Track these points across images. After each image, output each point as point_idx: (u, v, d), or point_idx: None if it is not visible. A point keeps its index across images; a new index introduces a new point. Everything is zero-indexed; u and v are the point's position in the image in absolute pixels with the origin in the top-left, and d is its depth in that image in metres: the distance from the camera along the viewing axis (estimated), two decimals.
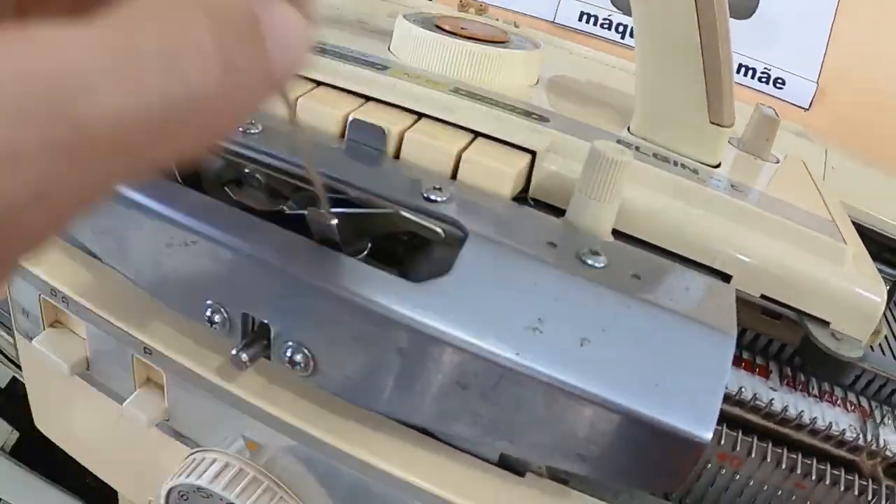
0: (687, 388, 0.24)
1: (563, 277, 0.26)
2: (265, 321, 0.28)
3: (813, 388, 0.34)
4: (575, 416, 0.24)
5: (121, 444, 0.40)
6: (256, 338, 0.28)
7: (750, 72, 0.56)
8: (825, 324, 0.31)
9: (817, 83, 0.55)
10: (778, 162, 0.40)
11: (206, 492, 0.31)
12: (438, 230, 0.28)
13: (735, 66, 0.54)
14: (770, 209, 0.32)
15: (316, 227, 0.29)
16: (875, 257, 0.45)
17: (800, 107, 0.55)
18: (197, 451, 0.32)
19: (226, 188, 0.33)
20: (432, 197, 0.30)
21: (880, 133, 0.52)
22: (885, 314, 0.42)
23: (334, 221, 0.28)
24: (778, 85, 0.55)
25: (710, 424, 0.24)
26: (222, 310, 0.29)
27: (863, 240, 0.44)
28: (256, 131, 0.34)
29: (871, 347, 0.36)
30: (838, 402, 0.34)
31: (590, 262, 0.27)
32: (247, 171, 0.33)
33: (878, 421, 0.34)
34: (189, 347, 0.32)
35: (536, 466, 0.30)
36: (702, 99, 0.33)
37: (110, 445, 0.41)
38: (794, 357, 0.35)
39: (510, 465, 0.30)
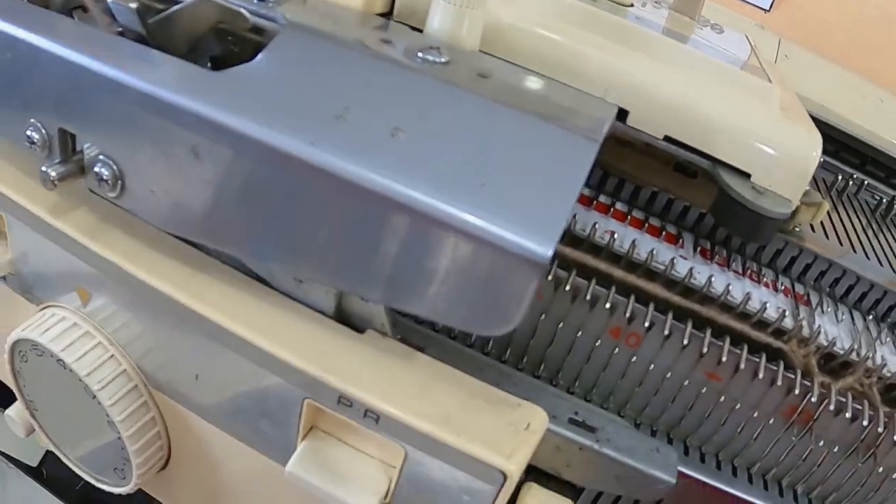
0: (524, 192, 0.19)
1: (389, 67, 0.21)
2: (73, 132, 0.24)
3: (735, 264, 0.28)
4: (377, 220, 0.19)
5: None
6: (71, 155, 0.25)
7: None
8: (745, 176, 0.26)
9: None
10: (713, 27, 0.34)
11: (40, 348, 0.27)
12: (245, 13, 0.23)
13: None
14: (681, 41, 0.27)
15: (122, 18, 0.25)
16: (832, 155, 0.39)
17: (760, 7, 0.49)
18: (41, 308, 0.29)
19: (73, 14, 0.30)
20: None
21: (844, 36, 0.46)
22: (834, 204, 0.36)
23: (133, 4, 0.24)
24: None
25: (550, 238, 0.18)
26: (40, 126, 0.25)
27: (824, 138, 0.39)
28: None
29: (812, 227, 0.31)
30: (766, 282, 0.28)
31: (429, 57, 0.22)
32: None
33: (814, 308, 0.28)
34: (26, 185, 0.28)
35: (380, 324, 0.24)
36: None
37: None
38: (717, 230, 0.29)
39: (348, 321, 0.24)
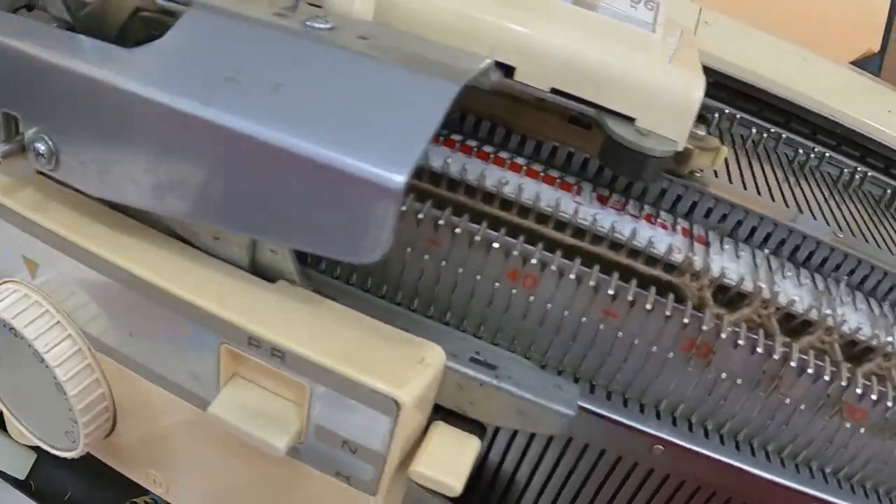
0: (384, 128, 0.21)
1: (279, 36, 0.23)
2: (15, 114, 0.26)
3: (632, 208, 0.29)
4: (262, 163, 0.21)
5: None
6: (13, 136, 0.27)
7: None
8: (630, 120, 0.27)
9: None
10: None
11: None
12: None
13: None
14: (582, 5, 0.29)
15: (51, 9, 0.27)
16: (755, 115, 0.41)
17: None
18: None
19: (17, 13, 0.32)
20: None
21: (781, 7, 0.47)
22: (748, 155, 0.37)
23: None
24: None
25: (403, 167, 0.20)
26: None
27: (743, 98, 0.40)
28: None
29: (715, 173, 0.32)
30: (662, 223, 0.29)
31: (316, 24, 0.24)
32: None
33: (710, 246, 0.29)
34: None
35: (290, 274, 0.26)
36: None
37: None
38: (617, 180, 0.30)
39: (262, 273, 0.27)
